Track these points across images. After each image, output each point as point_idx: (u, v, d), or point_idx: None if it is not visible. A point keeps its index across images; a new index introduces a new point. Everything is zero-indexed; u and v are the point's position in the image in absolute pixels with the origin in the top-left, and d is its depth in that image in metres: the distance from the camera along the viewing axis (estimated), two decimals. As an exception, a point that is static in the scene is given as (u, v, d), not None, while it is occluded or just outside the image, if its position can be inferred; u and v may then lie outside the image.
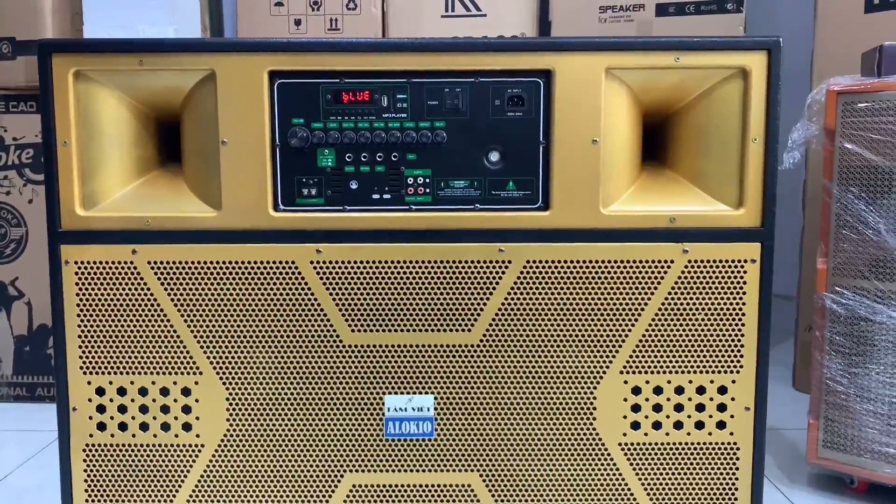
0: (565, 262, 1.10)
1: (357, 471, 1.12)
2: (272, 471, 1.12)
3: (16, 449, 1.58)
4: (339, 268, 1.11)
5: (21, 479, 1.45)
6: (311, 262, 1.10)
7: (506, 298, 1.11)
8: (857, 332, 1.32)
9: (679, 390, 1.13)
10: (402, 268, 1.11)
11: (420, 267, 1.10)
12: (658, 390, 1.13)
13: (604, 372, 1.13)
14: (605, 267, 1.11)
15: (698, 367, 1.13)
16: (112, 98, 1.10)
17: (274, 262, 1.09)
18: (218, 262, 1.09)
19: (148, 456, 1.13)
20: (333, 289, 1.11)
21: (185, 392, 1.13)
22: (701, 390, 1.13)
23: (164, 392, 1.13)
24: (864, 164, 1.27)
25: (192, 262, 1.10)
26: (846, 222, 1.31)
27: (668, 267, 1.11)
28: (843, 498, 1.42)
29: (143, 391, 1.13)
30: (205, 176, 1.10)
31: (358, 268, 1.11)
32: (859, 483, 1.39)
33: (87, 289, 1.08)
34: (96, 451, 1.13)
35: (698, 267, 1.10)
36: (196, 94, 1.09)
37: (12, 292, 1.84)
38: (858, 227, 1.26)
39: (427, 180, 1.09)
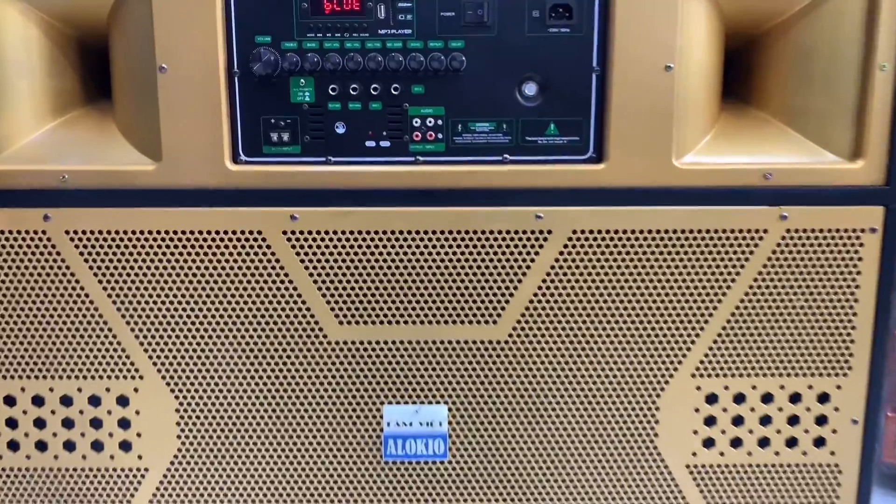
0: (624, 232, 0.86)
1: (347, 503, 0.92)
2: (236, 503, 0.92)
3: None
4: (322, 240, 0.86)
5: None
6: (284, 233, 0.86)
7: (543, 281, 0.87)
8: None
9: (767, 398, 0.91)
10: (404, 240, 0.86)
11: (429, 239, 0.86)
12: (739, 398, 0.91)
13: (670, 375, 0.91)
14: (677, 239, 0.87)
15: (793, 368, 0.91)
16: (15, 11, 0.84)
17: (233, 233, 0.86)
18: (159, 233, 0.86)
19: (75, 483, 0.93)
20: (314, 268, 0.87)
21: (123, 401, 0.91)
22: (795, 398, 0.91)
23: (95, 401, 0.91)
24: None
25: (125, 232, 0.86)
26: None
27: (761, 238, 0.88)
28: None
29: (66, 400, 0.91)
30: (140, 116, 0.85)
31: (346, 240, 0.86)
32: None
33: (-14, 267, 0.85)
34: (7, 477, 0.92)
35: (799, 238, 0.87)
36: (125, 4, 0.83)
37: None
38: None
39: (439, 122, 0.84)
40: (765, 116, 0.91)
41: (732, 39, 0.92)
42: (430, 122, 0.84)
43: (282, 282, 0.86)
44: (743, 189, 0.86)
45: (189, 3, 0.84)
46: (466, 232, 0.85)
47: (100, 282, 0.88)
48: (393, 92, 0.84)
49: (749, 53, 0.95)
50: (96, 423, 0.91)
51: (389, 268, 0.86)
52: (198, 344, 0.89)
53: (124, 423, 0.91)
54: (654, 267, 0.87)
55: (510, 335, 0.89)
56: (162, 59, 0.84)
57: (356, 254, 0.86)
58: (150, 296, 0.87)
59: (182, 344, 0.89)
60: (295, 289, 0.87)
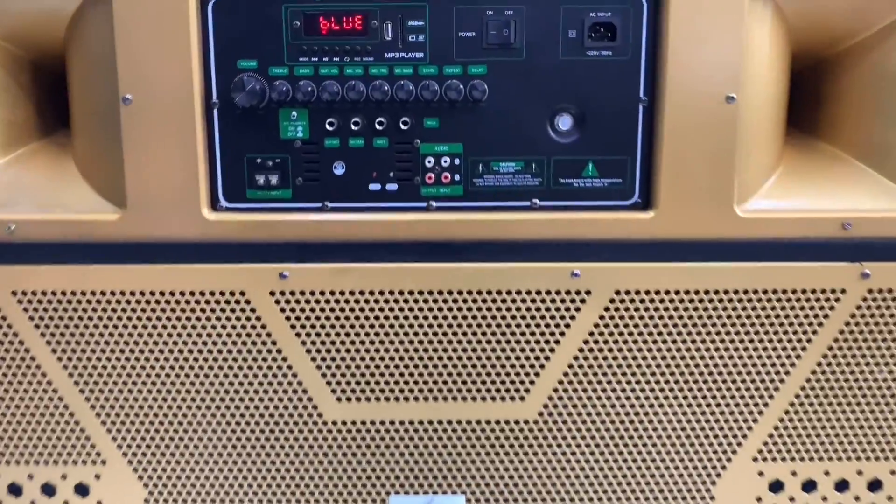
0: (676, 293, 0.75)
1: None
2: None
3: None
4: (316, 302, 0.75)
5: None
6: (272, 294, 0.74)
7: (580, 350, 0.76)
8: None
9: (842, 486, 0.80)
10: (414, 302, 0.75)
11: (444, 301, 0.75)
12: (809, 486, 0.80)
13: (728, 459, 0.80)
14: (738, 301, 0.76)
15: (874, 450, 0.80)
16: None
17: (212, 294, 0.74)
18: (123, 294, 0.74)
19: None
20: (307, 335, 0.76)
21: (82, 490, 0.80)
22: (875, 486, 0.80)
23: (49, 490, 0.80)
24: None
25: (83, 293, 0.74)
26: None
27: (837, 300, 0.77)
28: None
29: (15, 489, 0.79)
30: (101, 155, 0.74)
31: (345, 302, 0.75)
32: None
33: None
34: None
35: (883, 300, 0.76)
36: (84, 21, 0.71)
37: None
38: None
39: (456, 161, 0.74)
40: (836, 152, 0.81)
41: (798, 61, 0.79)
42: (445, 161, 0.74)
43: (269, 351, 0.75)
44: (817, 241, 0.75)
45: (158, 20, 0.71)
46: (488, 293, 0.74)
47: (53, 351, 0.76)
48: (402, 126, 0.74)
49: (817, 77, 0.83)
50: (51, 516, 0.81)
51: (397, 335, 0.75)
52: (170, 423, 0.78)
53: (84, 515, 0.80)
54: (711, 334, 0.77)
55: (540, 414, 0.78)
56: (126, 87, 0.71)
57: (357, 318, 0.75)
58: (114, 367, 0.76)
59: (151, 423, 0.78)
60: (284, 360, 0.76)
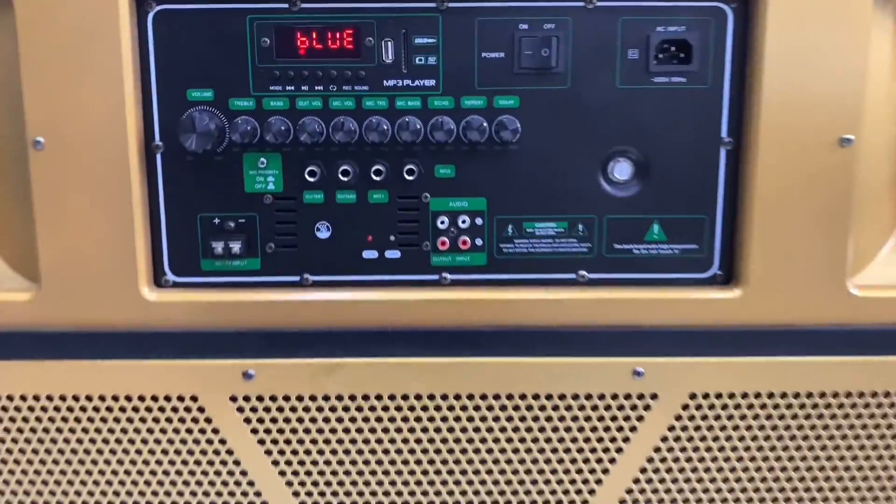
0: (769, 396, 0.59)
1: None
2: None
3: None
4: (291, 410, 0.59)
5: None
6: (233, 400, 0.59)
7: (643, 471, 0.60)
8: None
9: None
10: (422, 410, 0.59)
11: (461, 408, 0.59)
12: None
13: None
14: (852, 406, 0.59)
15: None
16: None
17: (154, 400, 0.59)
18: (37, 399, 0.59)
19: None
20: (281, 454, 0.60)
21: None
22: None
23: None
24: None
25: None
26: None
27: None
28: None
29: None
30: (7, 215, 0.58)
31: (329, 410, 0.59)
32: None
33: None
34: None
35: None
36: None
37: None
38: None
39: (478, 221, 0.58)
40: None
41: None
42: (463, 221, 0.58)
43: (230, 472, 0.61)
44: (954, 327, 0.58)
45: (79, 35, 0.54)
46: (522, 397, 0.59)
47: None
48: (406, 176, 0.57)
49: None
50: None
51: (399, 451, 0.60)
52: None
53: None
54: (816, 447, 0.61)
55: (589, 555, 0.60)
56: (37, 128, 0.55)
57: (345, 431, 0.58)
58: (23, 488, 0.60)
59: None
60: (251, 484, 0.60)
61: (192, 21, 0.54)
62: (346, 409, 0.58)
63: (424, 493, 0.60)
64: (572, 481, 0.60)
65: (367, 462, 0.59)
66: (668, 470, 0.59)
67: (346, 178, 0.56)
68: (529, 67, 0.55)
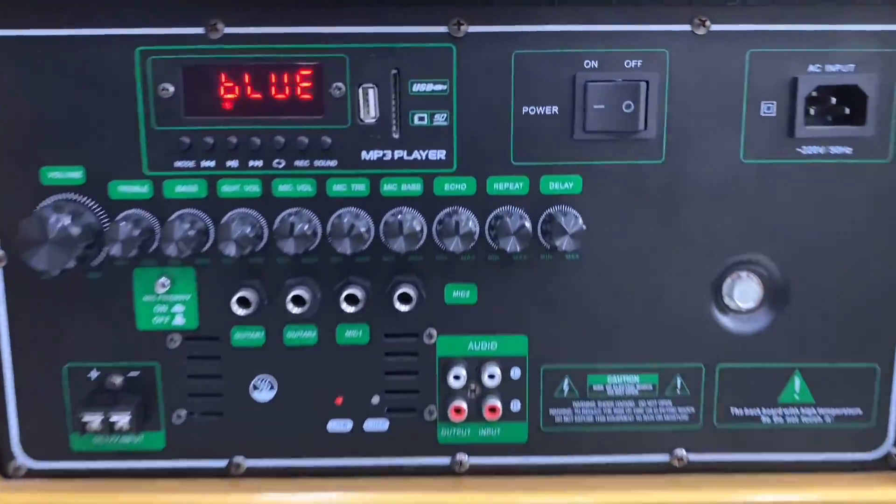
0: None
1: None
2: None
3: None
4: None
5: None
6: None
7: None
8: None
9: None
10: None
11: None
12: None
13: None
14: None
15: None
16: None
17: None
18: None
19: None
20: None
21: None
22: None
23: None
24: None
25: None
26: None
27: None
28: None
29: None
30: None
31: None
32: None
33: None
34: None
35: None
36: None
37: None
38: None
39: (514, 373, 0.38)
40: None
41: None
42: (491, 373, 0.38)
43: None
44: None
45: None
46: None
47: None
48: (398, 304, 0.37)
49: None
50: None
51: None
52: None
53: None
54: None
55: None
56: None
57: None
58: None
59: None
60: None
61: (47, 55, 0.33)
62: None
63: None
64: None
65: None
66: None
67: (299, 309, 0.34)
68: (601, 130, 0.34)
